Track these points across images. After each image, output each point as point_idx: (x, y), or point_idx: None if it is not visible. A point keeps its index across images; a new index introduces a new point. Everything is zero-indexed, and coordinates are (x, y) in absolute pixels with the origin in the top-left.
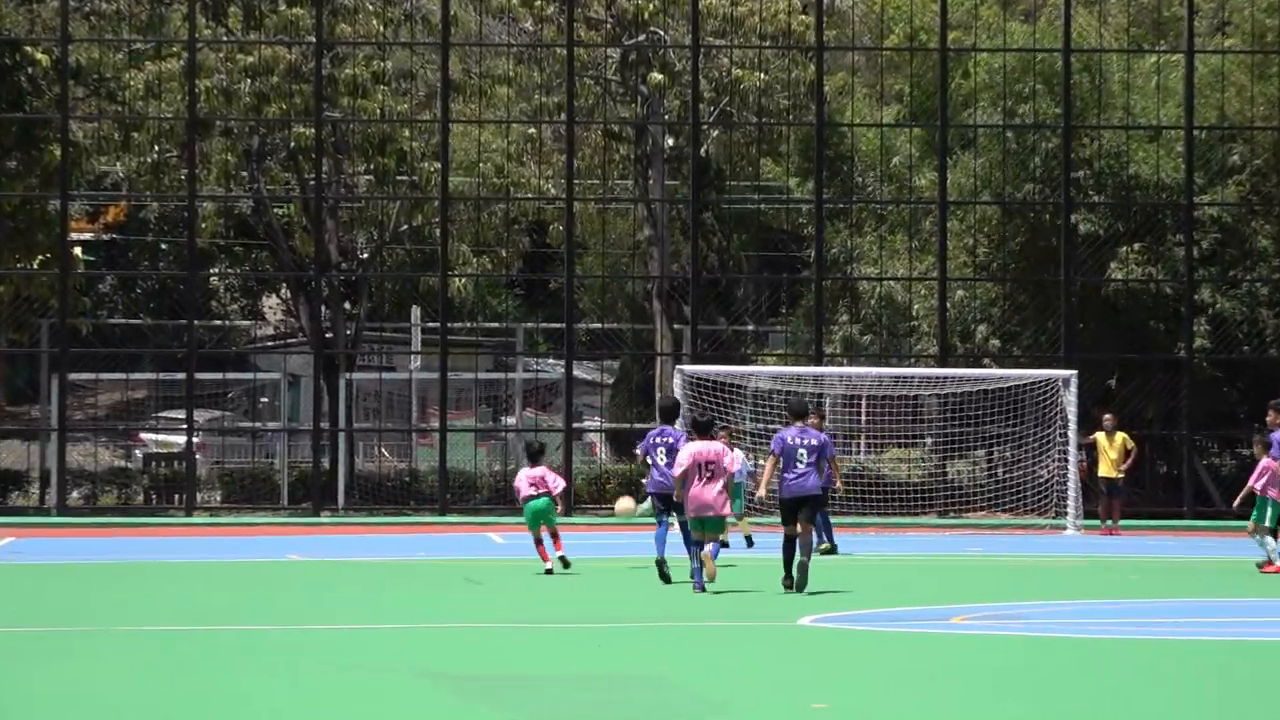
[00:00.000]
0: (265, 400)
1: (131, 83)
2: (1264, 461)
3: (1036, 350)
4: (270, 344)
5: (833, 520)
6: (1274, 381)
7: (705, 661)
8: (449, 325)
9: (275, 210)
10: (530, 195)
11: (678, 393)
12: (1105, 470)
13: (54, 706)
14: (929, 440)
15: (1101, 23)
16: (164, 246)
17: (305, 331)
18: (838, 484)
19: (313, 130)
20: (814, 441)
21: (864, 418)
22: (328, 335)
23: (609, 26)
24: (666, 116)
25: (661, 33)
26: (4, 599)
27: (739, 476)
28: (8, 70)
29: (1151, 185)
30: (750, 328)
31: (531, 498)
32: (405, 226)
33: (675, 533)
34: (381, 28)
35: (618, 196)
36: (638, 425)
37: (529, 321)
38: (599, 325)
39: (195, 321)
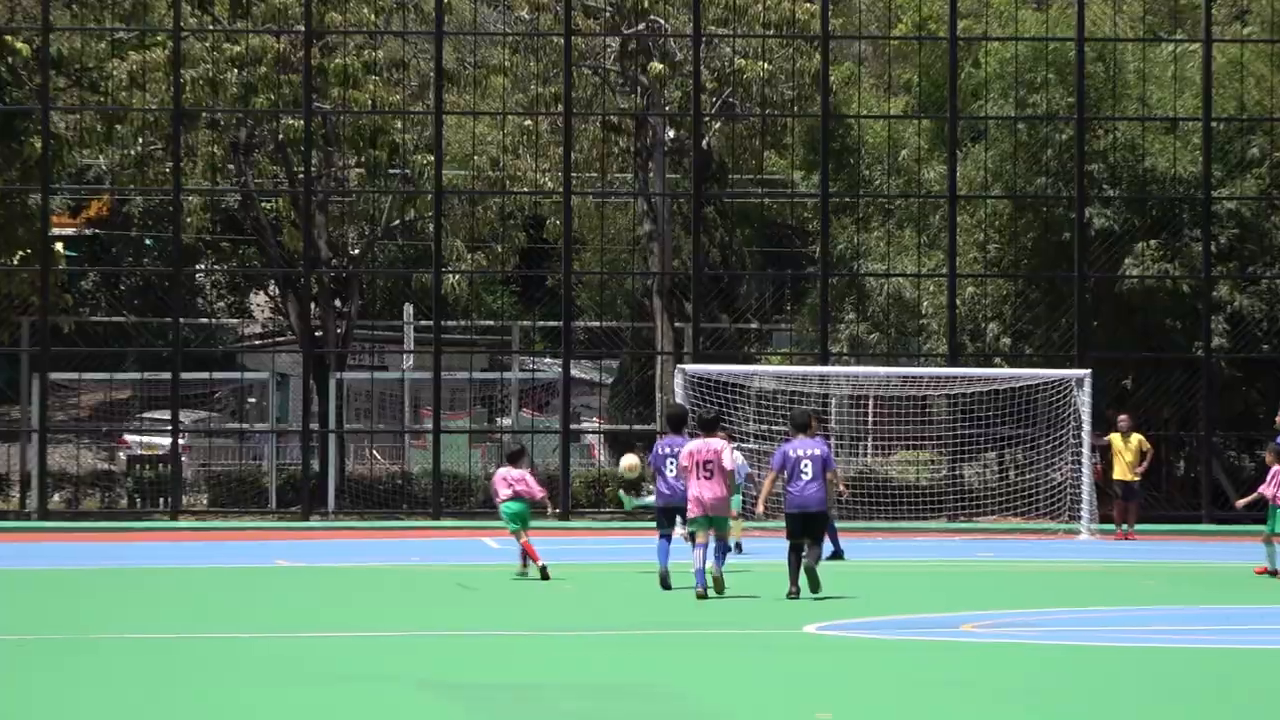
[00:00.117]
0: (253, 401)
1: (115, 73)
2: (1275, 468)
3: (1049, 349)
4: (258, 343)
5: (839, 525)
6: None
7: (706, 670)
8: (443, 323)
9: (263, 205)
10: (526, 189)
11: (679, 393)
12: (1120, 473)
13: (33, 719)
14: (938, 442)
15: (1116, 10)
16: (148, 242)
17: (294, 330)
18: (842, 489)
19: (302, 122)
20: (817, 451)
21: (871, 419)
22: (317, 334)
23: (608, 15)
24: (667, 108)
25: (662, 21)
26: None
27: (738, 476)
28: None
29: (1168, 179)
30: (754, 326)
31: (509, 499)
32: (397, 221)
33: (676, 542)
34: (373, 16)
35: (617, 190)
36: (637, 427)
37: (525, 319)
38: (597, 323)
39: (181, 319)
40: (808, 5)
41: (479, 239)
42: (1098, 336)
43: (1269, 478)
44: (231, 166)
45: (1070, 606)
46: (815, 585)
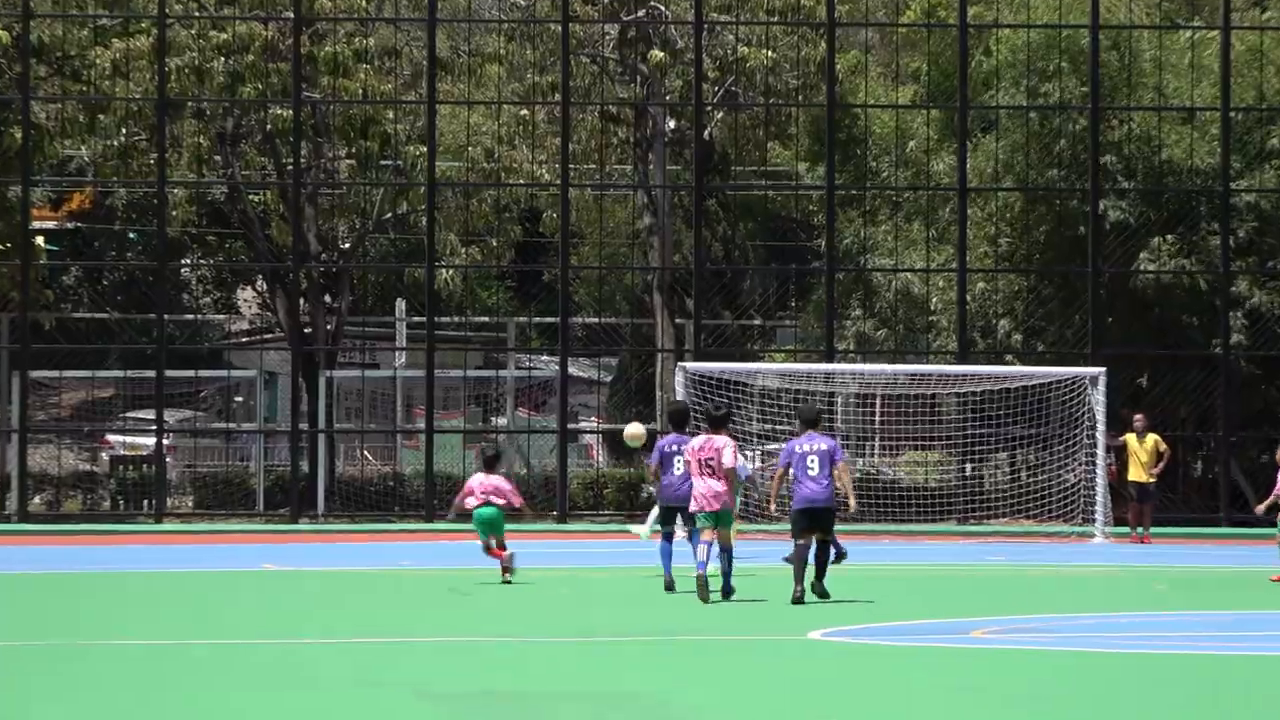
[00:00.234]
0: (240, 399)
1: (97, 61)
2: None
3: (1062, 346)
4: (245, 339)
5: (846, 527)
6: None
7: (706, 677)
8: (436, 320)
9: (251, 197)
10: (522, 181)
11: (680, 392)
12: (1135, 474)
13: None
14: (948, 442)
15: None
16: (132, 236)
17: (283, 326)
18: (851, 502)
19: (290, 112)
20: (823, 446)
21: (878, 419)
22: (307, 330)
23: (606, 1)
24: (668, 97)
25: (662, 8)
26: None
27: (741, 474)
28: None
29: (1185, 170)
30: (757, 323)
31: (484, 505)
32: (389, 214)
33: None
34: (364, 2)
35: (616, 183)
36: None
37: (521, 316)
38: (596, 320)
39: (165, 316)
40: None
41: (473, 233)
42: (1112, 333)
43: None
44: (218, 158)
45: (1084, 612)
46: (820, 572)
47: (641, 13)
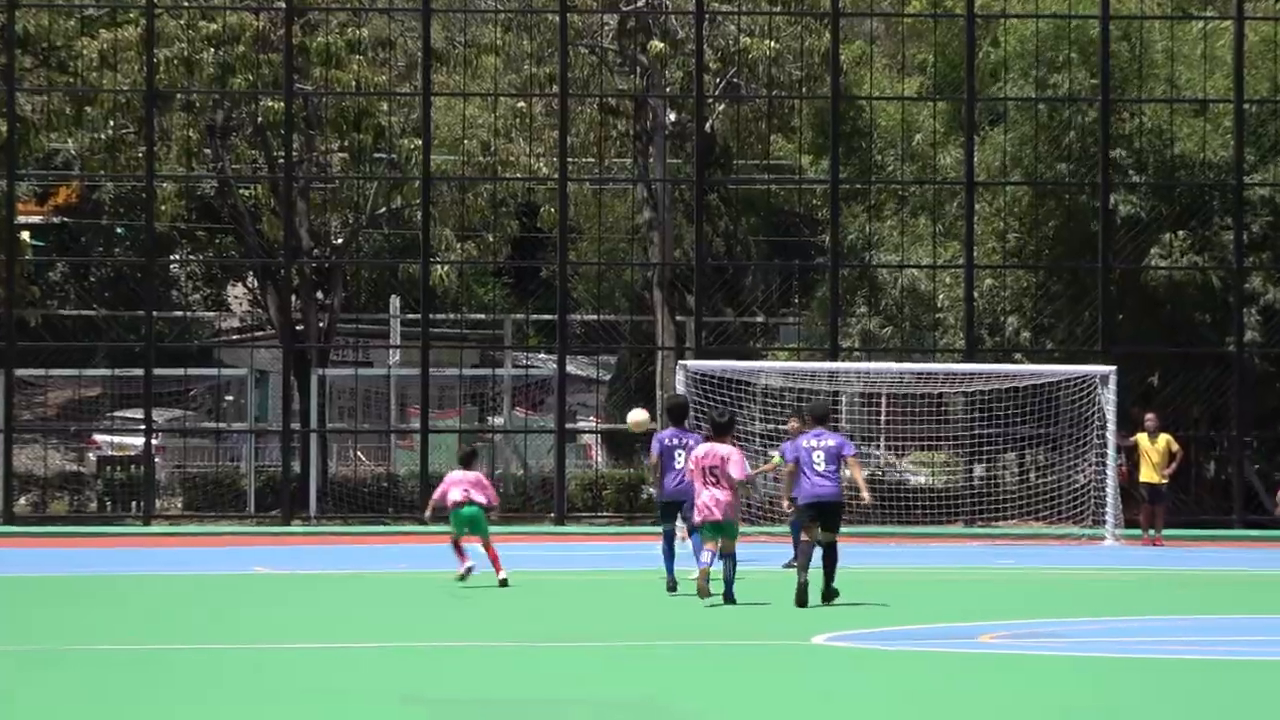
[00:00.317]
0: (230, 398)
1: (84, 52)
2: None
3: (1072, 344)
4: (236, 337)
5: (850, 530)
6: None
7: (706, 684)
8: (431, 317)
9: (241, 191)
10: (520, 175)
11: (680, 391)
12: (1147, 475)
13: None
14: (955, 442)
15: None
16: (120, 231)
17: (274, 324)
18: (864, 495)
19: (282, 104)
20: (831, 442)
21: (884, 418)
22: (298, 328)
23: None
24: (668, 89)
25: None
26: None
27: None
28: None
29: (1197, 164)
30: (759, 320)
31: (466, 503)
32: (383, 209)
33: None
34: None
35: (615, 176)
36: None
37: (518, 313)
38: (594, 317)
39: (154, 313)
40: None
41: (469, 228)
42: (1123, 331)
43: None
44: (208, 151)
45: (1094, 616)
46: (829, 591)
47: (641, 2)
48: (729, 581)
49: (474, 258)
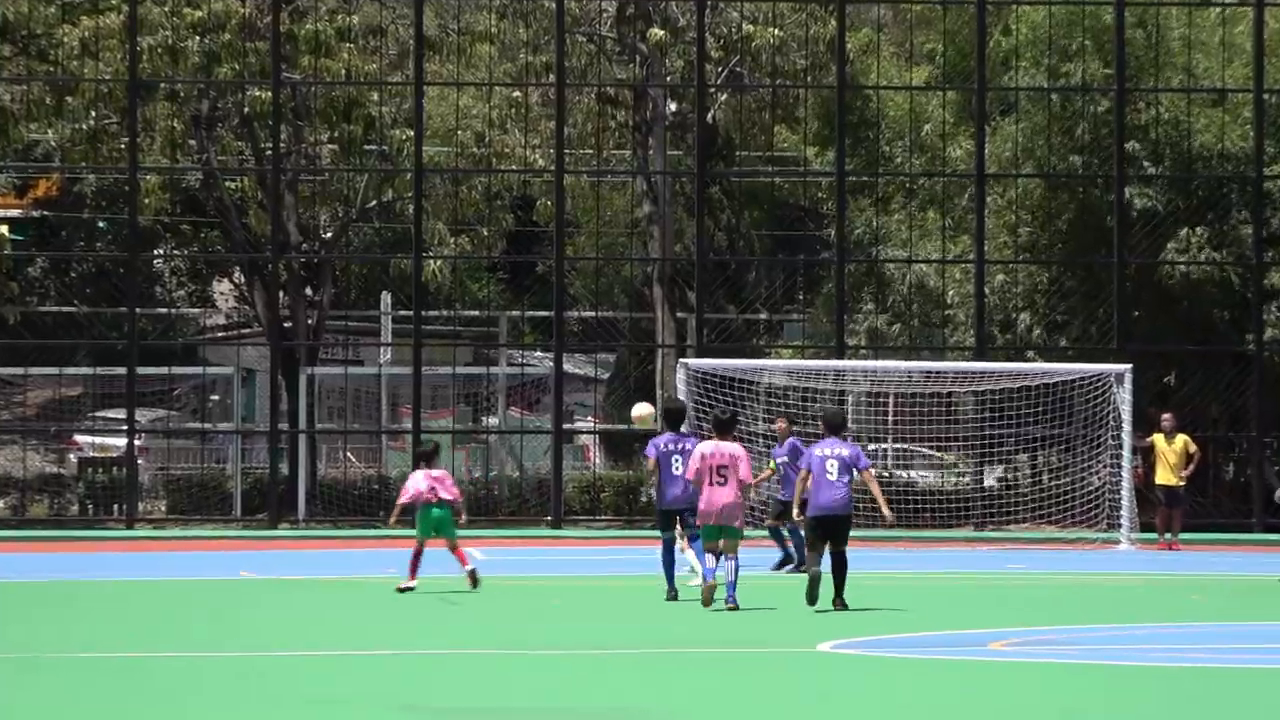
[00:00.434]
0: (216, 398)
1: (65, 39)
2: None
3: (1086, 342)
4: (222, 335)
5: (856, 534)
6: None
7: (707, 692)
8: (423, 314)
9: (227, 184)
10: (515, 167)
11: (681, 390)
12: (1164, 477)
13: None
14: (965, 443)
15: None
16: (102, 225)
17: (261, 321)
18: (885, 513)
19: (269, 93)
20: (844, 452)
21: (892, 418)
22: (286, 325)
23: None
24: (669, 78)
25: None
26: None
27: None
28: None
29: (1215, 155)
30: (763, 317)
31: (435, 504)
32: (374, 202)
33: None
34: None
35: (614, 169)
36: (635, 427)
37: (514, 309)
38: (592, 314)
39: (137, 309)
40: None
41: (463, 221)
42: (1139, 328)
43: None
44: (193, 142)
45: (1109, 623)
46: (841, 606)
47: None
48: (732, 585)
49: (468, 253)
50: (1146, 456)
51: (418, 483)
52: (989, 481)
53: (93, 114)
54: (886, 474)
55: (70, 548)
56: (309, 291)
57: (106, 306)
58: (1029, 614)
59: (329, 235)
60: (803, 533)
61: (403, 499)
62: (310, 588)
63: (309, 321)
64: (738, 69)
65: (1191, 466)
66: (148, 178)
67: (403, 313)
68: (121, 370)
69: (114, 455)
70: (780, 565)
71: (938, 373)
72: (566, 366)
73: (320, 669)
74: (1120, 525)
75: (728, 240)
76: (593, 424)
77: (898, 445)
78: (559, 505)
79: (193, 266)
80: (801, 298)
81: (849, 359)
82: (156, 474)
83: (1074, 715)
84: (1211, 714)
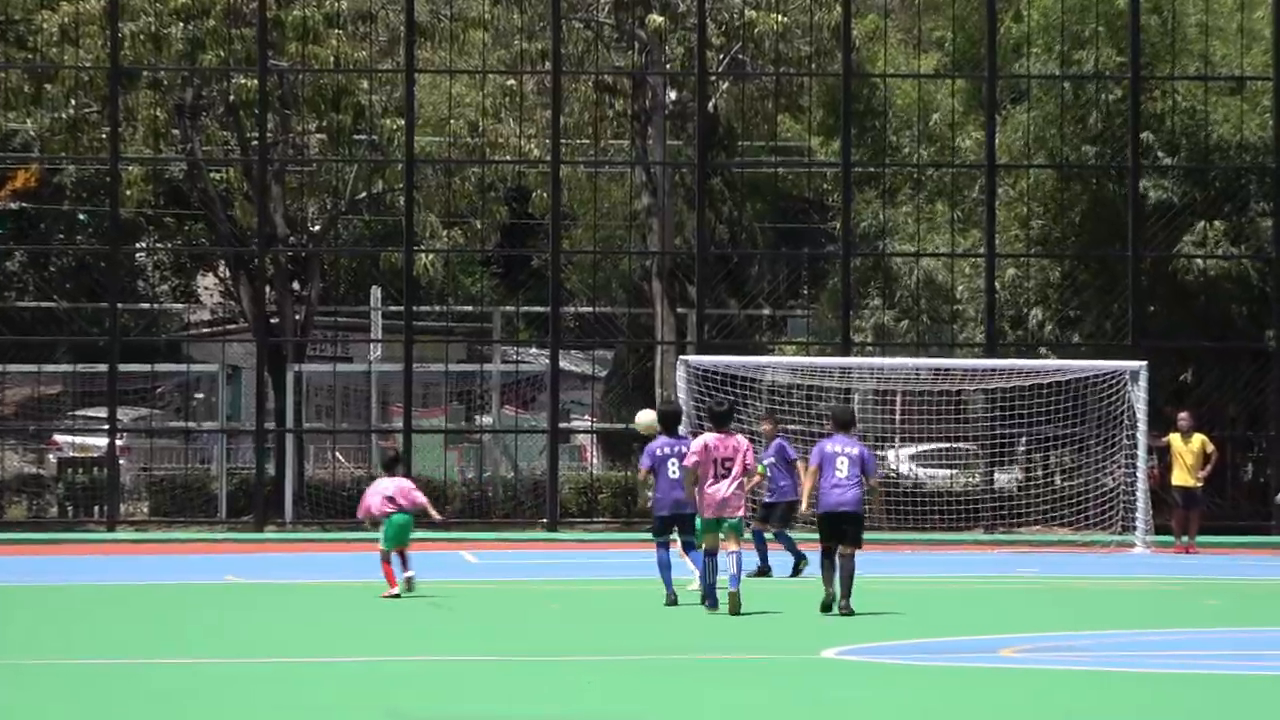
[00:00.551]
0: (200, 396)
1: (44, 26)
2: None
3: (1100, 338)
4: (206, 331)
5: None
6: None
7: (708, 700)
8: (415, 309)
9: (212, 175)
10: (509, 157)
11: (681, 388)
12: (1180, 478)
13: None
14: (974, 443)
15: None
16: (82, 217)
17: (247, 316)
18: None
19: (255, 81)
20: (855, 450)
21: (899, 417)
22: (273, 321)
23: None
24: (668, 66)
25: None
26: None
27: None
28: None
29: (1233, 146)
30: (766, 312)
31: (395, 511)
32: (364, 194)
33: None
34: None
35: (611, 159)
36: (633, 426)
37: (508, 305)
38: (589, 309)
39: (119, 305)
40: None
41: (456, 214)
42: (1155, 324)
43: None
44: (176, 132)
45: (1123, 629)
46: (847, 611)
47: None
48: (735, 577)
49: (461, 246)
50: (1162, 456)
51: (377, 494)
52: (999, 482)
53: (73, 102)
54: (892, 473)
55: (49, 551)
56: (296, 286)
57: (87, 301)
58: (1041, 619)
59: (317, 228)
60: (787, 535)
61: (375, 509)
62: (297, 592)
63: (296, 317)
64: (740, 56)
65: (1209, 467)
66: (130, 168)
67: (393, 308)
68: (103, 367)
69: (95, 455)
70: (759, 573)
71: (947, 370)
72: (563, 364)
73: (308, 675)
74: (1135, 528)
75: (729, 233)
76: (590, 423)
77: (905, 445)
78: (555, 507)
79: (176, 260)
80: (806, 293)
81: (855, 356)
82: (139, 475)
83: None
84: None
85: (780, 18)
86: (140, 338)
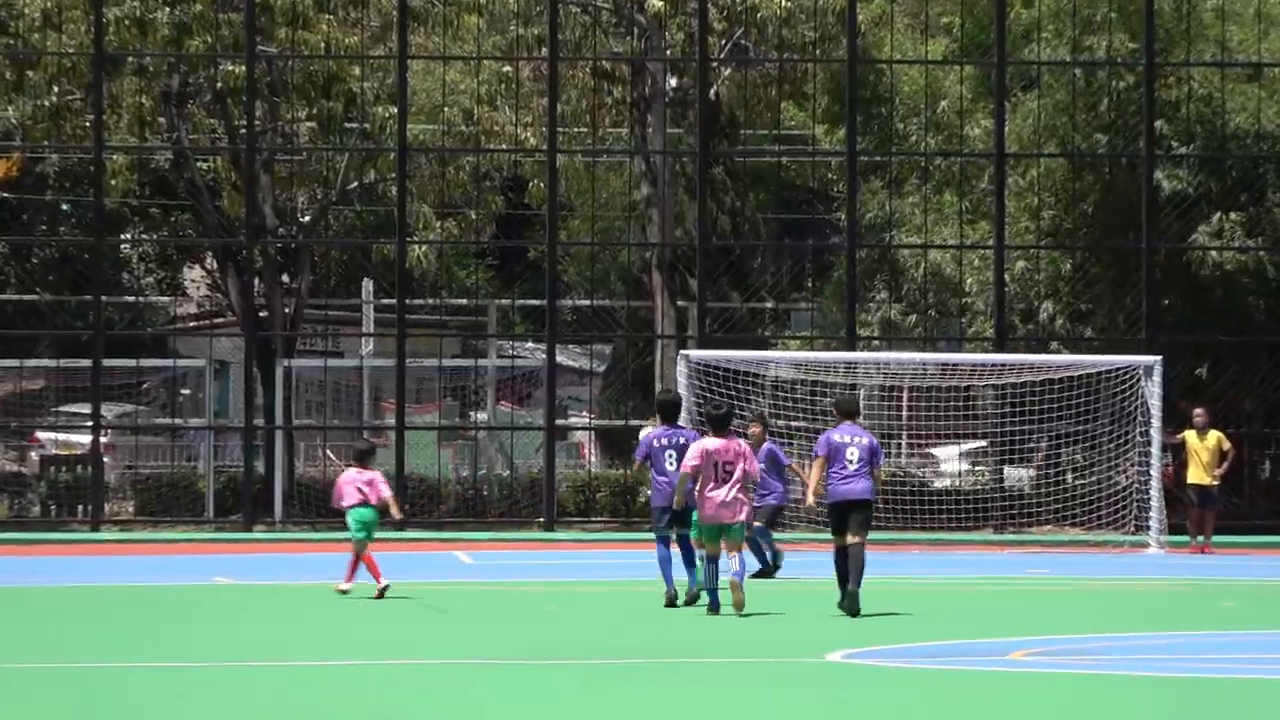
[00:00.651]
0: (187, 392)
1: (26, 10)
2: None
3: (1113, 332)
4: (193, 324)
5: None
6: None
7: (708, 705)
8: (408, 302)
9: (199, 164)
10: (505, 146)
11: (681, 383)
12: (1196, 476)
13: None
14: (984, 440)
15: None
16: (65, 207)
17: (235, 310)
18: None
19: (244, 68)
20: (864, 440)
21: (906, 413)
22: (262, 314)
23: None
24: (668, 52)
25: None
26: None
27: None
28: None
29: (1250, 134)
30: (769, 306)
31: (360, 504)
32: (355, 184)
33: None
34: None
35: (610, 148)
36: (633, 422)
37: (503, 298)
38: (587, 302)
39: (103, 297)
40: None
41: (450, 204)
42: (1169, 317)
43: None
44: (162, 120)
45: (1137, 631)
46: (855, 609)
47: None
48: (739, 574)
49: (455, 237)
50: (1177, 454)
51: (346, 485)
52: (1009, 480)
53: (55, 90)
54: (900, 471)
55: (31, 551)
56: (286, 278)
57: (70, 294)
58: (1052, 622)
59: (307, 219)
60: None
61: (346, 502)
62: (287, 593)
63: (286, 310)
64: (742, 41)
65: (1225, 465)
66: (114, 157)
67: (385, 301)
68: (86, 362)
69: (78, 453)
70: (760, 574)
71: (955, 365)
72: (560, 358)
73: (299, 679)
74: (1149, 527)
75: (731, 224)
76: (588, 419)
77: (912, 441)
78: (551, 506)
79: (162, 252)
80: (810, 285)
81: (860, 350)
82: (124, 473)
83: None
84: None
85: (784, 2)
86: (125, 332)
